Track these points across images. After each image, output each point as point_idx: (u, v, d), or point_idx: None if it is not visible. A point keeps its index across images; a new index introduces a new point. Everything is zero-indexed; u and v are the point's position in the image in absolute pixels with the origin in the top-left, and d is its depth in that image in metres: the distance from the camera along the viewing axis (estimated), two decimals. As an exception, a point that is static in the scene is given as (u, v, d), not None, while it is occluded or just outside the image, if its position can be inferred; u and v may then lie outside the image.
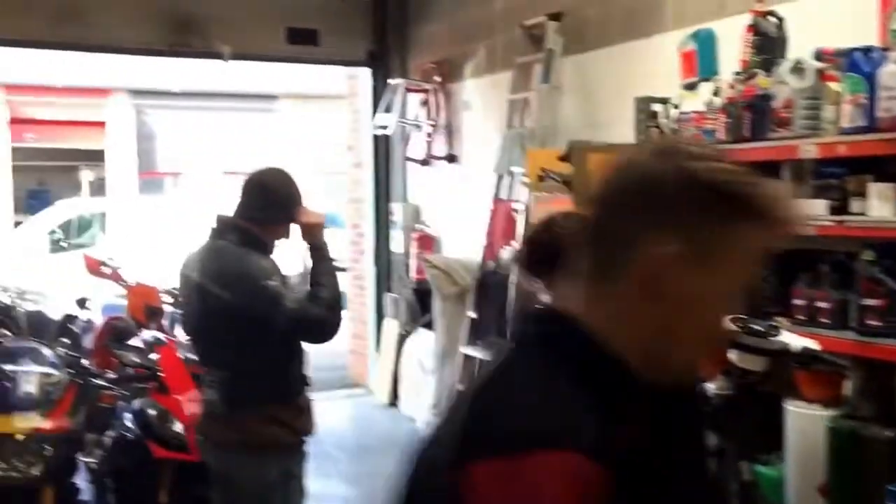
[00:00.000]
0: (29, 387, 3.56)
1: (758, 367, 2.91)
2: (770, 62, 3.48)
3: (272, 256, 3.13)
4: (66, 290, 9.23)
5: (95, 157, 21.87)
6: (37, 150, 21.24)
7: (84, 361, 4.12)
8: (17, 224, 18.08)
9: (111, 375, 3.92)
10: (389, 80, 7.56)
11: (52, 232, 14.86)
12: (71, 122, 21.07)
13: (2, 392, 3.56)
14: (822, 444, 3.08)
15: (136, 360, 3.90)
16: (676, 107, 3.88)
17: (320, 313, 2.99)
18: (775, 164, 3.30)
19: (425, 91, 7.32)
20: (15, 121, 20.43)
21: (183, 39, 7.23)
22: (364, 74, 8.18)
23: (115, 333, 4.60)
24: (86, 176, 23.25)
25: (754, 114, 3.37)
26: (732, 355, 2.87)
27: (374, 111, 7.69)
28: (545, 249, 1.34)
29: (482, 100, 6.71)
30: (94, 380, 3.86)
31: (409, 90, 7.44)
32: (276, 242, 3.16)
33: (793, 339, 2.92)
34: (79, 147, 21.75)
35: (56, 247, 14.41)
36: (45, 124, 20.88)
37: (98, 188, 22.32)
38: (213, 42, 7.28)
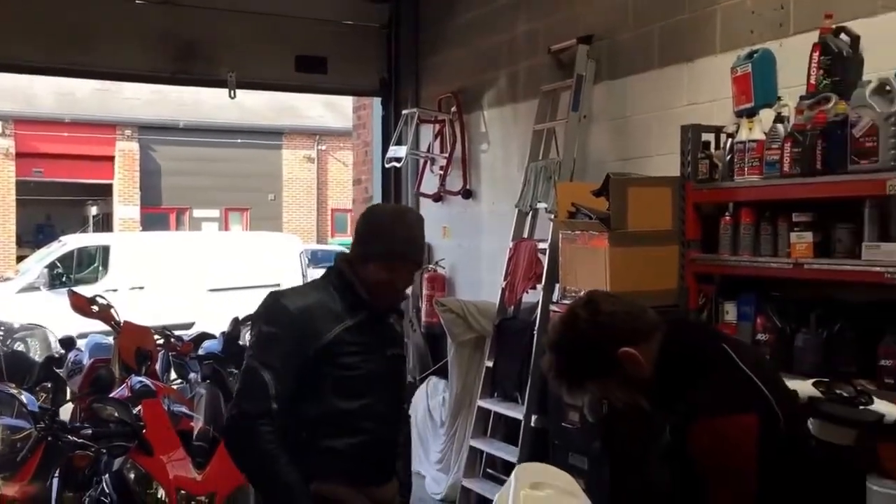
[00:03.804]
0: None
1: (845, 440, 2.46)
2: (843, 85, 3.06)
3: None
4: (63, 326, 8.81)
5: (103, 191, 21.61)
6: (44, 185, 20.97)
7: (59, 413, 3.64)
8: (21, 259, 17.79)
9: (88, 431, 3.40)
10: (403, 111, 7.16)
11: (54, 266, 14.49)
12: (79, 155, 20.78)
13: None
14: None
15: (116, 414, 3.40)
16: (731, 136, 3.46)
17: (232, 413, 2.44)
18: (855, 201, 2.85)
19: (440, 122, 6.95)
20: (22, 154, 20.22)
21: (187, 66, 6.98)
22: (375, 105, 7.81)
23: (98, 381, 4.14)
24: (91, 211, 23.01)
25: (829, 143, 2.93)
26: (813, 426, 2.43)
27: (385, 143, 7.28)
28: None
29: (502, 131, 6.33)
30: (68, 436, 3.35)
31: (422, 121, 7.06)
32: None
33: (888, 408, 2.47)
34: (86, 182, 21.49)
35: (57, 282, 14.05)
36: (52, 158, 20.58)
37: (105, 223, 22.06)
38: (218, 69, 7.02)
